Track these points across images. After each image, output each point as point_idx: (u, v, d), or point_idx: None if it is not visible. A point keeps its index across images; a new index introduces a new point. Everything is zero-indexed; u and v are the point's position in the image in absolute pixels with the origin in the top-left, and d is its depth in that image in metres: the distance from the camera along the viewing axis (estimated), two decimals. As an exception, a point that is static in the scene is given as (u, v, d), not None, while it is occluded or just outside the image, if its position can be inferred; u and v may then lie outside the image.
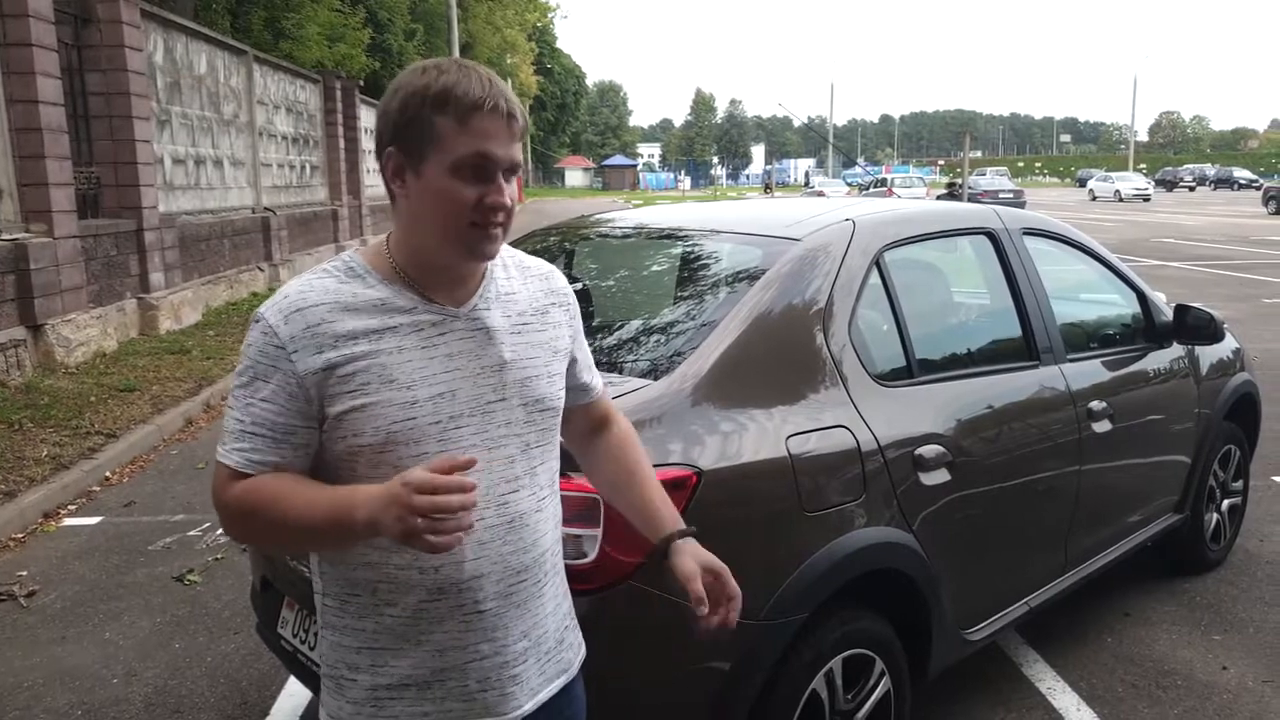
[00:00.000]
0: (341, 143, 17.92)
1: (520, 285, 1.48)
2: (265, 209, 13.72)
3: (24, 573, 4.29)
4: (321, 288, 1.33)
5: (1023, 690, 3.23)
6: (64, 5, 8.29)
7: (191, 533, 4.76)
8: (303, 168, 16.17)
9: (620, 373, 2.29)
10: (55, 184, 7.64)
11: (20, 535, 4.72)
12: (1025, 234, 3.24)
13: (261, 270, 13.16)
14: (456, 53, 27.03)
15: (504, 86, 1.33)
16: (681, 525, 1.57)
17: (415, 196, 1.32)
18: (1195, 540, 4.03)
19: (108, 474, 5.64)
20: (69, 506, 5.15)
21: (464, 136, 1.28)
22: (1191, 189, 59.50)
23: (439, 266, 1.36)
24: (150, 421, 6.47)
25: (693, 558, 1.51)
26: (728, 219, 3.02)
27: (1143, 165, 75.71)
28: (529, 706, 1.46)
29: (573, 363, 1.57)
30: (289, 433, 1.30)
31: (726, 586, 1.50)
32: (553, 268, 1.58)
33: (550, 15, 53.43)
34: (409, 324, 1.34)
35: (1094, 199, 47.37)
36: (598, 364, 2.35)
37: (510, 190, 1.34)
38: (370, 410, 1.29)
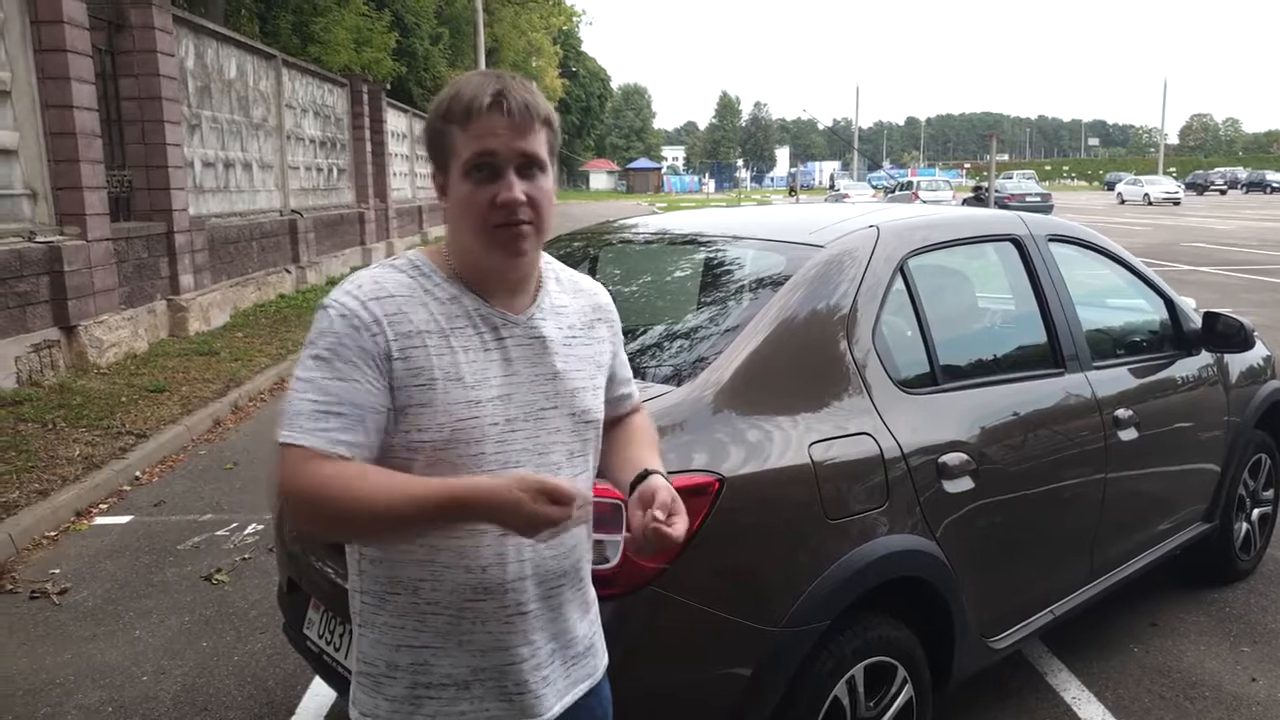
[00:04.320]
0: (368, 146, 18.08)
1: (571, 299, 1.51)
2: (293, 211, 13.86)
3: (57, 570, 4.37)
4: (394, 280, 1.35)
5: (1048, 700, 3.20)
6: (98, 12, 8.43)
7: (219, 532, 4.82)
8: (330, 171, 16.33)
9: (643, 378, 2.30)
10: (89, 187, 7.77)
11: (53, 533, 4.80)
12: (1051, 240, 3.23)
13: (289, 272, 13.30)
14: (482, 56, 27.15)
15: (515, 84, 1.33)
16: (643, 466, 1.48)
17: (451, 207, 1.36)
18: (1224, 550, 3.98)
19: (138, 473, 5.73)
20: (100, 505, 5.23)
21: (467, 139, 1.31)
22: (1223, 192, 58.66)
23: (490, 272, 1.38)
24: (179, 422, 6.56)
25: (649, 485, 1.42)
26: (751, 225, 3.02)
27: (1172, 168, 74.71)
28: (557, 709, 1.48)
29: (612, 376, 1.60)
30: (375, 413, 1.29)
31: (658, 500, 1.37)
32: (600, 286, 1.60)
33: (576, 20, 53.58)
34: (474, 324, 1.36)
35: (1122, 202, 46.81)
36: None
37: (526, 185, 1.32)
38: (437, 406, 1.31)
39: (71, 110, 7.52)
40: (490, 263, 1.37)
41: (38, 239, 7.26)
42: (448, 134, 1.32)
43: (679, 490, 1.76)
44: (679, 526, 1.36)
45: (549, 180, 1.36)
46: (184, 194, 9.85)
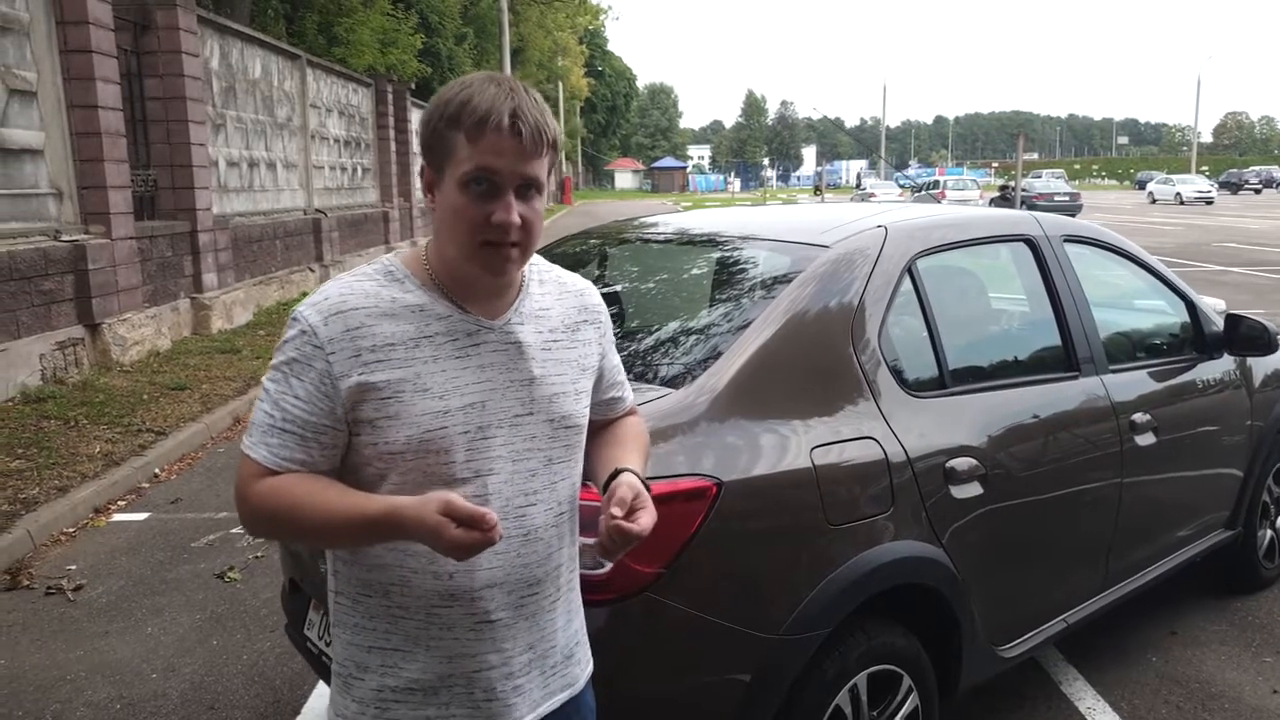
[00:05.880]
0: (393, 145, 18.19)
1: (555, 301, 1.48)
2: (317, 211, 13.96)
3: (73, 567, 4.41)
4: (362, 291, 1.33)
5: (1061, 709, 3.14)
6: (124, 13, 8.53)
7: (234, 530, 4.85)
8: (354, 170, 16.44)
9: (644, 380, 2.28)
10: (113, 187, 7.85)
11: (71, 530, 4.85)
12: (1067, 241, 3.16)
13: (312, 271, 13.40)
14: (507, 56, 27.24)
15: (528, 102, 1.29)
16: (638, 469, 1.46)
17: (439, 210, 1.34)
18: (1248, 557, 3.89)
19: (157, 471, 5.78)
20: (119, 502, 5.28)
21: (470, 151, 1.28)
22: (1257, 191, 57.61)
23: (470, 279, 1.36)
24: (199, 420, 6.62)
25: (615, 483, 1.40)
26: (762, 225, 2.98)
27: (1205, 167, 73.53)
28: (530, 719, 1.46)
29: (600, 377, 1.56)
30: (319, 432, 1.31)
31: (616, 496, 1.36)
32: (589, 285, 1.57)
33: (601, 18, 53.62)
34: (444, 333, 1.34)
35: (1153, 202, 46.11)
36: (626, 369, 2.35)
37: (522, 207, 1.30)
38: (403, 418, 1.30)
39: (97, 110, 7.61)
40: (471, 273, 1.35)
41: (63, 238, 7.35)
42: (450, 139, 1.29)
43: (677, 494, 1.74)
44: (643, 520, 1.34)
45: (542, 201, 1.36)
46: (208, 193, 9.94)
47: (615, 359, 1.62)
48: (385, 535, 1.29)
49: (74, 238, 7.45)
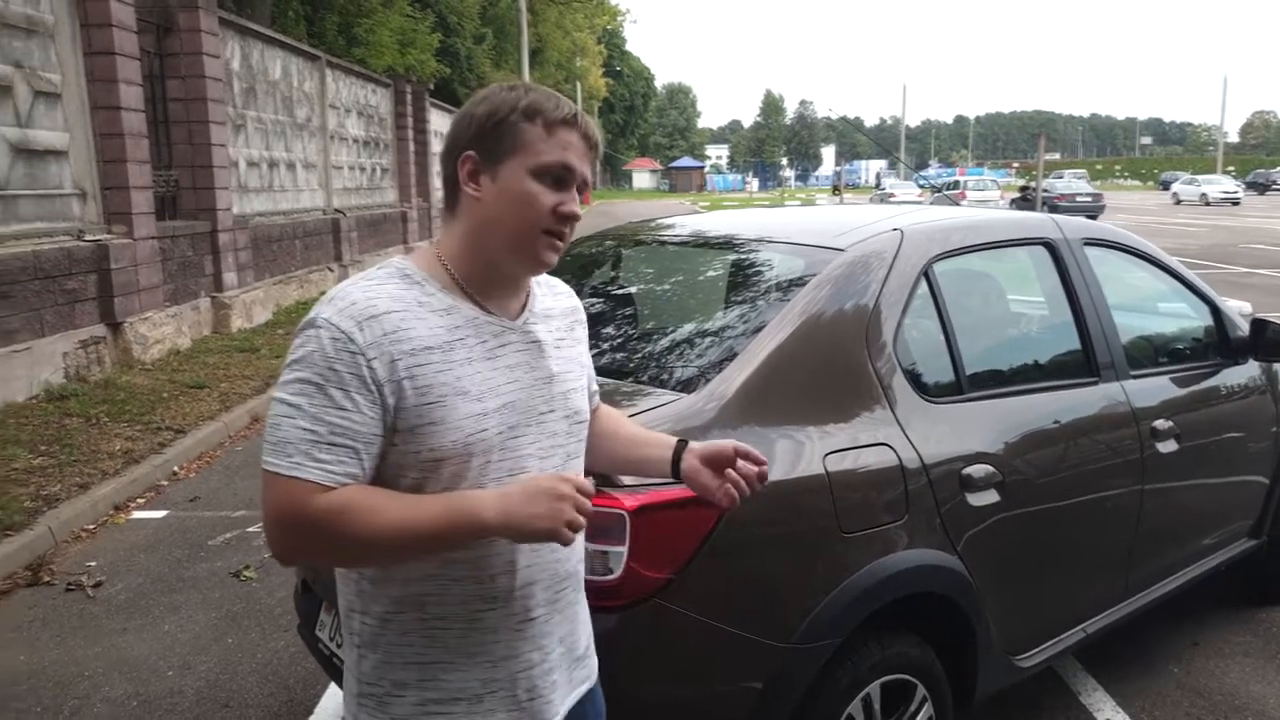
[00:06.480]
0: (411, 146, 18.26)
1: (553, 302, 1.52)
2: (336, 210, 14.04)
3: (93, 563, 4.45)
4: (387, 294, 1.30)
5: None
6: (146, 15, 8.60)
7: (250, 529, 4.87)
8: (373, 170, 16.52)
9: (657, 384, 2.26)
10: (135, 187, 7.93)
11: (91, 526, 4.90)
12: (1087, 244, 3.12)
13: (331, 270, 13.47)
14: (525, 56, 27.27)
15: (587, 115, 1.41)
16: (671, 439, 1.63)
17: (490, 199, 1.34)
18: (1273, 567, 3.82)
19: (176, 469, 5.83)
20: (138, 500, 5.33)
21: (550, 144, 1.34)
22: (1285, 192, 56.87)
23: (500, 275, 1.37)
24: (218, 418, 6.66)
25: (694, 455, 1.57)
26: (778, 227, 2.96)
27: (1231, 167, 72.61)
28: (563, 711, 1.48)
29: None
30: (370, 443, 1.26)
31: (727, 454, 1.53)
32: (569, 288, 1.62)
33: (620, 19, 53.62)
34: (474, 334, 1.34)
35: (1178, 203, 45.57)
36: (637, 373, 2.35)
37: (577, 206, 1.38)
38: (447, 422, 1.29)
39: (119, 111, 7.68)
40: (511, 267, 1.37)
41: (86, 237, 7.42)
42: (524, 130, 1.33)
43: (688, 500, 1.76)
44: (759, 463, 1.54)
45: None
46: (228, 193, 10.01)
47: (588, 354, 1.68)
48: (467, 531, 1.26)
49: (97, 237, 7.52)
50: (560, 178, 1.34)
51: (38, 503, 4.84)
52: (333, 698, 3.25)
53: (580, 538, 1.49)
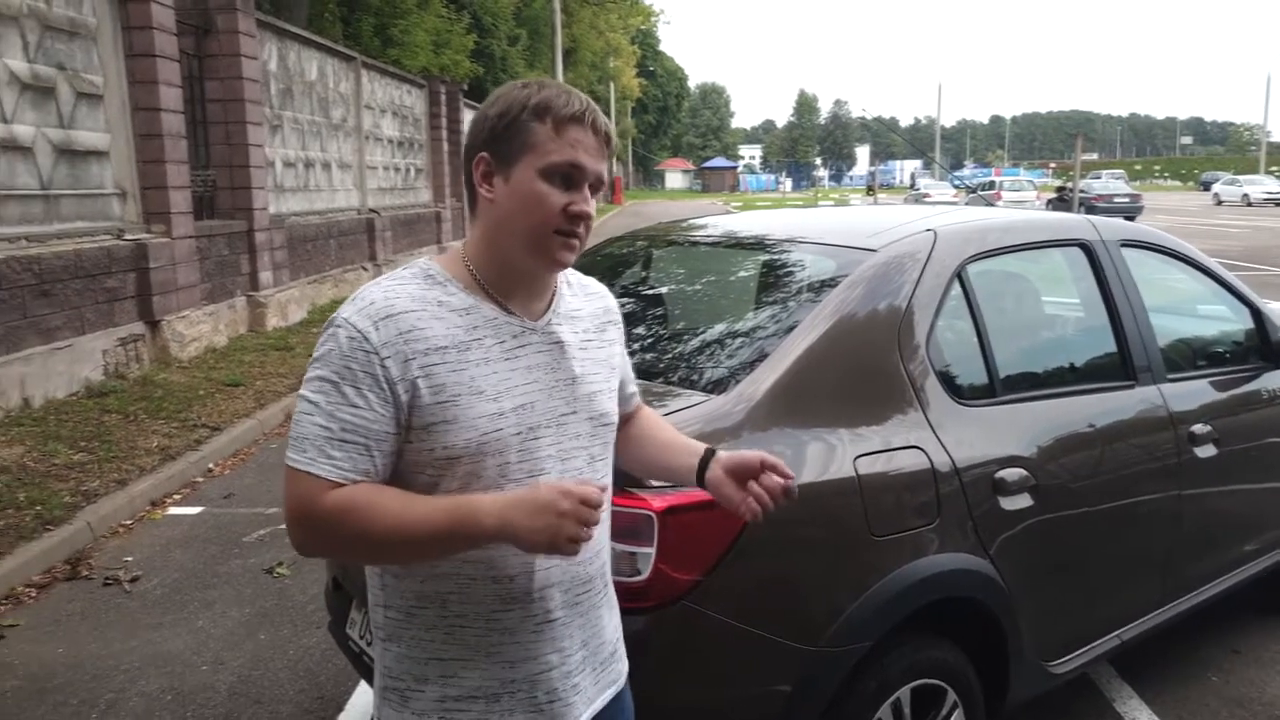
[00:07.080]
0: (445, 146, 18.38)
1: (583, 303, 1.52)
2: (370, 210, 14.17)
3: (130, 558, 4.53)
4: (407, 294, 1.32)
5: (1114, 728, 3.05)
6: (185, 17, 8.74)
7: (283, 526, 4.92)
8: (407, 170, 16.65)
9: (687, 384, 2.26)
10: (174, 187, 8.05)
11: (129, 522, 4.98)
12: (1123, 245, 3.06)
13: (366, 270, 13.60)
14: (559, 57, 27.37)
15: (595, 107, 1.39)
16: (701, 446, 1.60)
17: (502, 200, 1.35)
18: (1316, 575, 3.73)
19: (211, 466, 5.91)
20: (174, 496, 5.41)
21: (558, 144, 1.33)
22: (1331, 192, 55.50)
23: (519, 275, 1.38)
24: (253, 416, 6.75)
25: (720, 465, 1.54)
26: (810, 227, 2.94)
27: (1275, 167, 71.04)
28: (586, 716, 1.47)
29: (622, 377, 1.61)
30: (381, 440, 1.28)
31: (753, 466, 1.50)
32: (605, 288, 1.61)
33: (654, 20, 53.63)
34: (493, 334, 1.35)
35: (1219, 203, 44.66)
36: (667, 374, 2.34)
37: (589, 205, 1.37)
38: (461, 421, 1.30)
39: (159, 113, 7.81)
40: (527, 267, 1.37)
41: (126, 237, 7.55)
42: (533, 129, 1.32)
43: (715, 502, 1.75)
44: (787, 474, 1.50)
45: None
46: (265, 193, 10.14)
47: (626, 357, 1.67)
48: (467, 536, 1.27)
49: (136, 237, 7.65)
50: (569, 177, 1.33)
51: (77, 498, 4.94)
52: (363, 695, 3.27)
53: (606, 540, 1.51)
